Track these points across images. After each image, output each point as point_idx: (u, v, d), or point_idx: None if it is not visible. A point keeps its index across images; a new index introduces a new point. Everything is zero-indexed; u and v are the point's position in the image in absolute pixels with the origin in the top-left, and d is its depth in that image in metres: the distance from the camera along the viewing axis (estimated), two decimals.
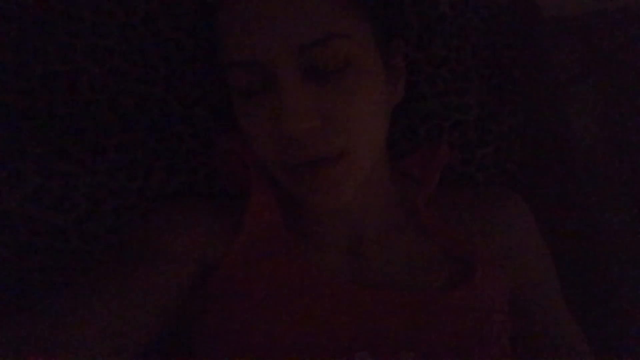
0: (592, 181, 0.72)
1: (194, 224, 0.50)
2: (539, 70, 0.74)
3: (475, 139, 0.65)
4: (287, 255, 0.49)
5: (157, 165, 0.58)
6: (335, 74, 0.42)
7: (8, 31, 0.54)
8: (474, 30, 0.65)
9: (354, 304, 0.47)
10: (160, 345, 0.56)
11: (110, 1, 0.56)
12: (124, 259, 0.45)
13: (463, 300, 0.47)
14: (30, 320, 0.35)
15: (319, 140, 0.42)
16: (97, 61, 0.56)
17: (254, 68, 0.42)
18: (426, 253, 0.51)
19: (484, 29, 0.66)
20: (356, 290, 0.47)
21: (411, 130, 0.63)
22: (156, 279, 0.43)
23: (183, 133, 0.58)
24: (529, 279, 0.53)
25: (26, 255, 0.56)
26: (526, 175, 0.70)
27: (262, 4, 0.40)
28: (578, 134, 0.76)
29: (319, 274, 0.48)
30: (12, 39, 0.54)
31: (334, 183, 0.44)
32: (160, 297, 0.43)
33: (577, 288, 0.67)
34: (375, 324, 0.46)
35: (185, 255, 0.48)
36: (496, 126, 0.66)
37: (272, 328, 0.45)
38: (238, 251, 0.49)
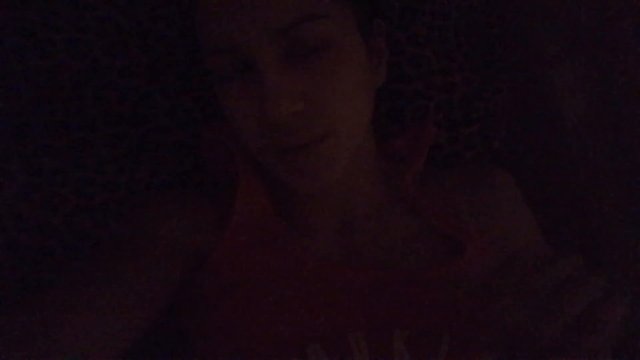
0: (580, 157, 0.72)
1: (183, 215, 0.50)
2: (523, 48, 0.74)
3: (461, 118, 0.65)
4: (278, 241, 0.49)
5: (144, 158, 0.58)
6: (315, 56, 0.42)
7: None
8: (456, 8, 0.65)
9: (346, 285, 0.47)
10: (157, 338, 0.56)
11: None
12: (114, 251, 0.45)
13: (453, 277, 0.48)
14: (20, 315, 0.35)
15: (303, 125, 0.42)
16: (77, 55, 0.55)
17: (234, 53, 0.42)
18: (415, 232, 0.52)
19: (466, 7, 0.66)
20: (348, 271, 0.48)
21: (397, 111, 0.63)
22: (147, 271, 0.43)
23: (168, 124, 0.58)
24: (518, 254, 0.54)
25: (17, 254, 0.56)
26: (513, 153, 0.70)
27: None
28: (564, 110, 0.76)
29: (310, 258, 0.48)
30: None
31: (319, 164, 0.44)
32: (152, 289, 0.43)
33: None
34: (369, 304, 0.46)
35: (175, 245, 0.48)
36: (481, 104, 0.66)
37: (266, 313, 0.45)
38: (228, 239, 0.49)
